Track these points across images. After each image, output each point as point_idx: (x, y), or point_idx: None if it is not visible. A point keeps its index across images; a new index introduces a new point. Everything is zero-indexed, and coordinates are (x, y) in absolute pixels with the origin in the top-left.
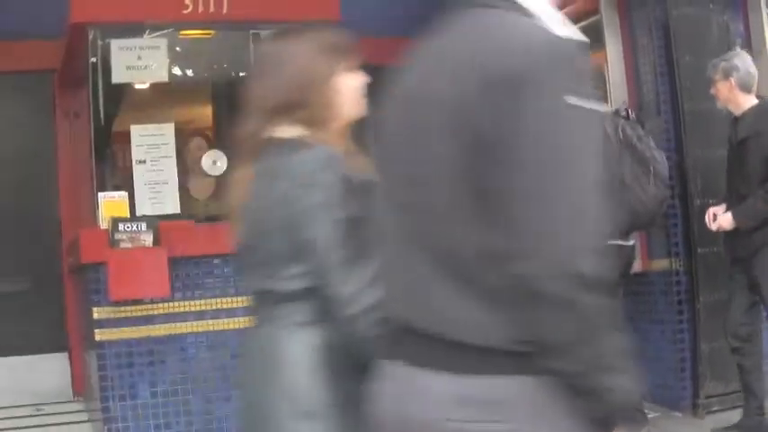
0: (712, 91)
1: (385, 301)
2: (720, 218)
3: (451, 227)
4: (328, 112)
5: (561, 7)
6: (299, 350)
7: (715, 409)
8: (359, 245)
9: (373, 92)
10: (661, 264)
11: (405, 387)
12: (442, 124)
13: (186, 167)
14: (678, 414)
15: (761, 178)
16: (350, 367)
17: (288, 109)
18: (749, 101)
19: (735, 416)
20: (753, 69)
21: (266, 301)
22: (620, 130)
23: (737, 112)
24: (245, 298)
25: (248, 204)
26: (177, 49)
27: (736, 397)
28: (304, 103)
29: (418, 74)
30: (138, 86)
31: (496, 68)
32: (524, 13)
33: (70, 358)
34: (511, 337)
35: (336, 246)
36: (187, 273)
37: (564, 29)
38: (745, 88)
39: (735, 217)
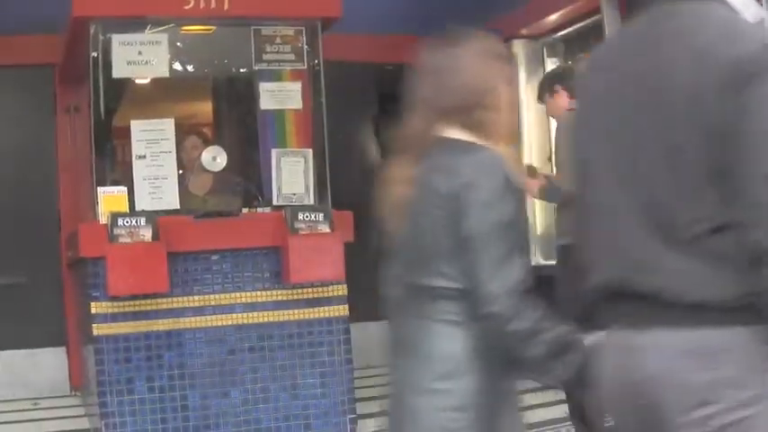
0: None
1: (595, 269)
2: None
3: (683, 202)
4: (497, 116)
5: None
6: (450, 347)
7: None
8: (514, 246)
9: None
10: None
11: (624, 350)
12: (679, 109)
13: (183, 165)
14: None
15: None
16: (499, 365)
17: (460, 111)
18: None
19: None
20: None
21: (420, 297)
22: None
23: None
24: (242, 294)
25: (411, 201)
26: (178, 44)
27: None
28: (476, 107)
29: (633, 62)
30: (138, 82)
31: (728, 58)
32: (724, 3)
33: (68, 353)
34: (732, 293)
35: (492, 245)
36: (186, 268)
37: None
38: None
39: None
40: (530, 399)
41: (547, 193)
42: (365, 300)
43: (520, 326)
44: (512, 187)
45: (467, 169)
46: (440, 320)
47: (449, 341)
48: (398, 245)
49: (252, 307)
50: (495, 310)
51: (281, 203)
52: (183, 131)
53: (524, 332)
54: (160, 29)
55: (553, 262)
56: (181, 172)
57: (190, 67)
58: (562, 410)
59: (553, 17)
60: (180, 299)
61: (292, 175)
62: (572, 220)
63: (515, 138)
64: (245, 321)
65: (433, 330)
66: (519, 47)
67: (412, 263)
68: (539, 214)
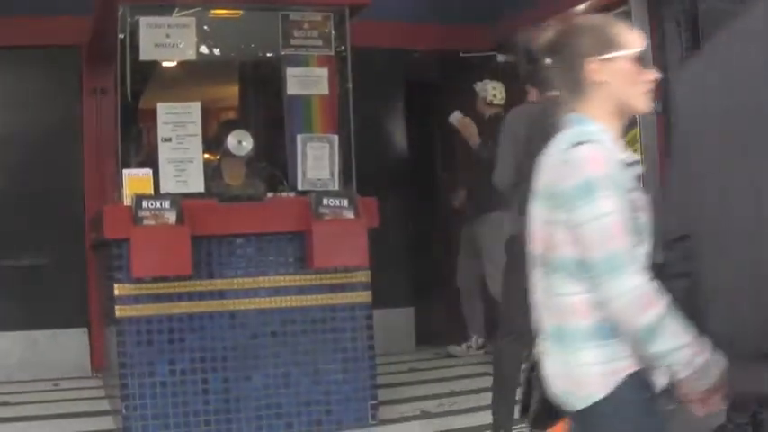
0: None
1: None
2: None
3: None
4: None
5: None
6: None
7: None
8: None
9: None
10: None
11: None
12: None
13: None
14: None
15: None
16: None
17: None
18: None
19: None
20: None
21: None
22: None
23: None
24: (266, 278)
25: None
26: (206, 27)
27: None
28: None
29: None
30: (165, 64)
31: None
32: None
33: (90, 334)
34: None
35: None
36: (209, 251)
37: None
38: None
39: None
40: None
41: None
42: (387, 286)
43: None
44: None
45: None
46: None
47: None
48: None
49: (275, 291)
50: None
51: (305, 189)
52: (209, 114)
53: None
54: (188, 12)
55: None
56: (215, 161)
57: (217, 51)
58: None
59: (581, 7)
60: (203, 282)
61: (317, 160)
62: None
63: None
64: (268, 306)
65: None
66: None
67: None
68: None
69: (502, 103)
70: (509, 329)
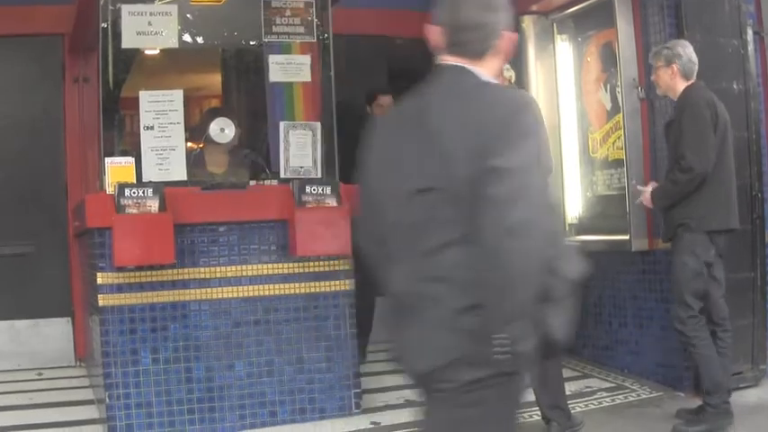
0: (653, 77)
1: None
2: (643, 195)
3: None
4: None
5: None
6: None
7: None
8: None
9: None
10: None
11: None
12: None
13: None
14: (681, 394)
15: (673, 161)
16: None
17: None
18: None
19: (735, 396)
20: (694, 57)
21: None
22: None
23: (675, 98)
24: (249, 267)
25: None
26: (188, 15)
27: (739, 378)
28: None
29: None
30: (148, 52)
31: None
32: None
33: (73, 323)
34: None
35: None
36: (192, 240)
37: None
38: (686, 76)
39: (651, 196)
40: None
41: None
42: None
43: None
44: None
45: None
46: None
47: None
48: None
49: (258, 280)
50: None
51: (288, 176)
52: (192, 102)
53: None
54: (170, 0)
55: None
56: (198, 149)
57: (199, 39)
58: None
59: None
60: (186, 270)
61: (300, 148)
62: None
63: None
64: (251, 294)
65: None
66: (528, 23)
67: None
68: None
69: (513, 84)
70: None
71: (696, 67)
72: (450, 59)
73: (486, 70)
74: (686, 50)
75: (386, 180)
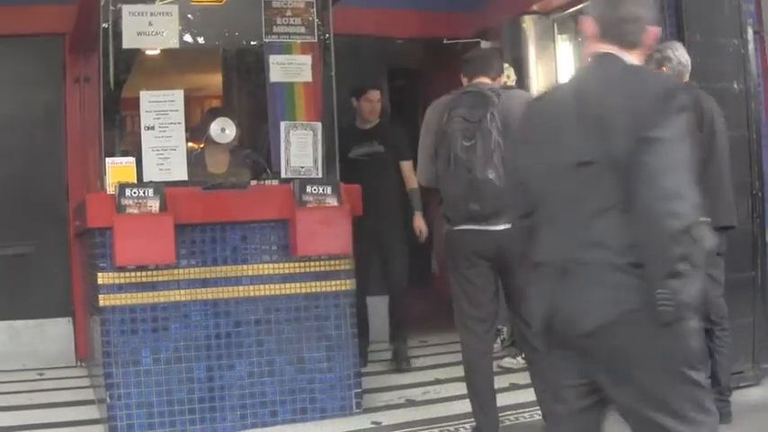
0: None
1: None
2: None
3: None
4: None
5: None
6: None
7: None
8: None
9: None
10: None
11: None
12: None
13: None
14: None
15: None
16: None
17: None
18: None
19: (736, 395)
20: (684, 59)
21: None
22: None
23: None
24: (249, 266)
25: None
26: (189, 16)
27: (740, 377)
28: None
29: None
30: (148, 52)
31: None
32: None
33: (74, 323)
34: None
35: None
36: (193, 239)
37: None
38: (678, 78)
39: None
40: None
41: None
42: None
43: None
44: None
45: None
46: None
47: None
48: None
49: (259, 280)
50: None
51: (289, 176)
52: (193, 102)
53: None
54: (171, 0)
55: None
56: (199, 150)
57: (200, 39)
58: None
59: None
60: (187, 270)
61: (301, 147)
62: None
63: None
64: (252, 294)
65: None
66: (529, 23)
67: None
68: None
69: (514, 84)
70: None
71: (687, 69)
72: (604, 48)
73: (635, 59)
74: (676, 53)
75: (542, 156)
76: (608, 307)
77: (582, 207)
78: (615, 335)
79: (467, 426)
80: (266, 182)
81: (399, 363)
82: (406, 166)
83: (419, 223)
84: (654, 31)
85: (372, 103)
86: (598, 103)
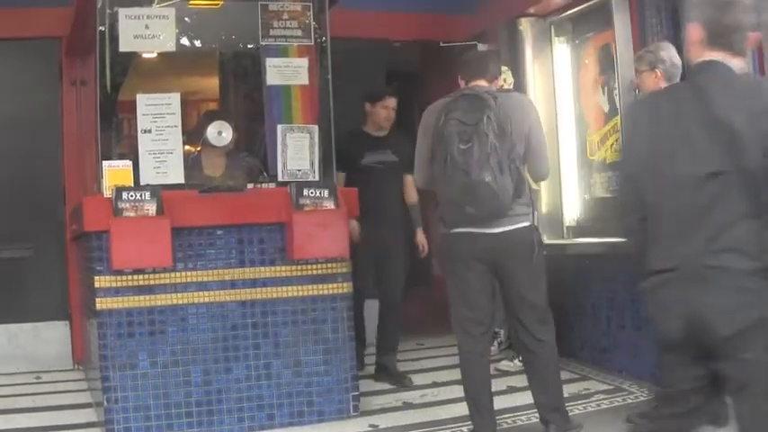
0: (636, 81)
1: None
2: None
3: None
4: None
5: None
6: None
7: None
8: None
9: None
10: None
11: None
12: None
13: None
14: None
15: None
16: None
17: None
18: None
19: None
20: (677, 60)
21: None
22: None
23: None
24: (246, 270)
25: None
26: (185, 19)
27: None
28: None
29: None
30: (145, 56)
31: None
32: None
33: (71, 326)
34: None
35: None
36: (190, 243)
37: None
38: (669, 80)
39: None
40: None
41: None
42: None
43: None
44: None
45: None
46: None
47: None
48: None
49: (255, 283)
50: None
51: (286, 179)
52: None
53: None
54: (167, 3)
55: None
56: (195, 152)
57: (197, 42)
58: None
59: None
60: (183, 274)
61: (298, 151)
62: None
63: None
64: (249, 297)
65: None
66: (526, 25)
67: None
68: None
69: (511, 87)
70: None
71: (679, 71)
72: (712, 54)
73: (740, 64)
74: (669, 54)
75: (666, 167)
76: (746, 312)
77: (712, 214)
78: (750, 340)
79: (464, 429)
80: (263, 185)
81: (401, 381)
82: (410, 179)
83: (421, 238)
84: (754, 37)
85: (389, 110)
86: (725, 115)
